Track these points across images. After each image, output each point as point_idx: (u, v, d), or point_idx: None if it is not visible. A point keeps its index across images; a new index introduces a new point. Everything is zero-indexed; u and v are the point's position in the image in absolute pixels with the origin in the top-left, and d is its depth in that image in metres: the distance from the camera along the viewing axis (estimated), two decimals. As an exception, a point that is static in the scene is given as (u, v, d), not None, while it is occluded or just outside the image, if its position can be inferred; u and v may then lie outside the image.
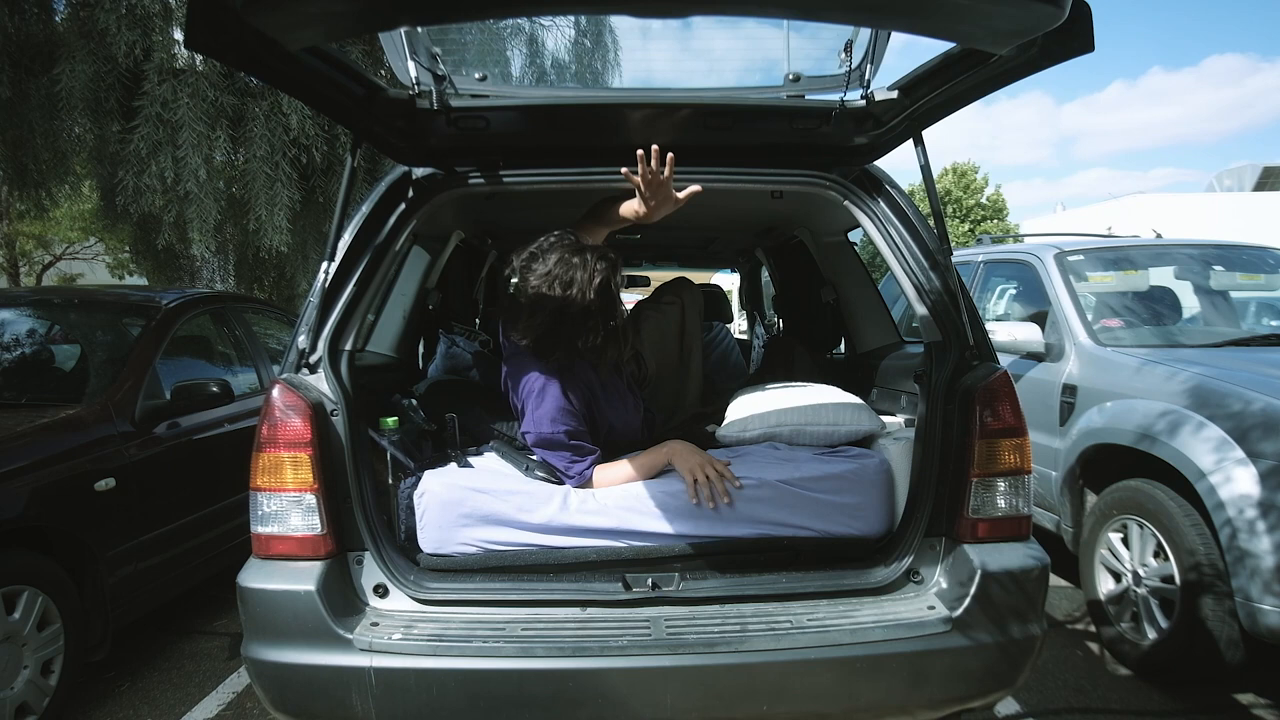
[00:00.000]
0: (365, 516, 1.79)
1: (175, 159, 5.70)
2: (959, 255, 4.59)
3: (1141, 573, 2.88)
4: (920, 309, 1.99)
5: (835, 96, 1.95)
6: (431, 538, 1.91)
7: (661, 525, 1.90)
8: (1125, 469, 3.02)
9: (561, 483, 1.98)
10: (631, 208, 2.05)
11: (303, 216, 6.39)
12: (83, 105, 5.73)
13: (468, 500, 1.89)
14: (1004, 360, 2.13)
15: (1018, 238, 6.58)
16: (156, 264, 8.04)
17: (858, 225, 2.17)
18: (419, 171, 2.05)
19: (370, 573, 1.79)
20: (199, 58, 6.24)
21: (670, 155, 1.85)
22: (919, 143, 1.94)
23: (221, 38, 1.42)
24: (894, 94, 1.85)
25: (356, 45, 5.83)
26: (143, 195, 5.93)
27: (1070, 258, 3.85)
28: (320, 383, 1.82)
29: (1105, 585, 3.07)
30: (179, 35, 6.19)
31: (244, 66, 1.52)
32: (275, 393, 1.75)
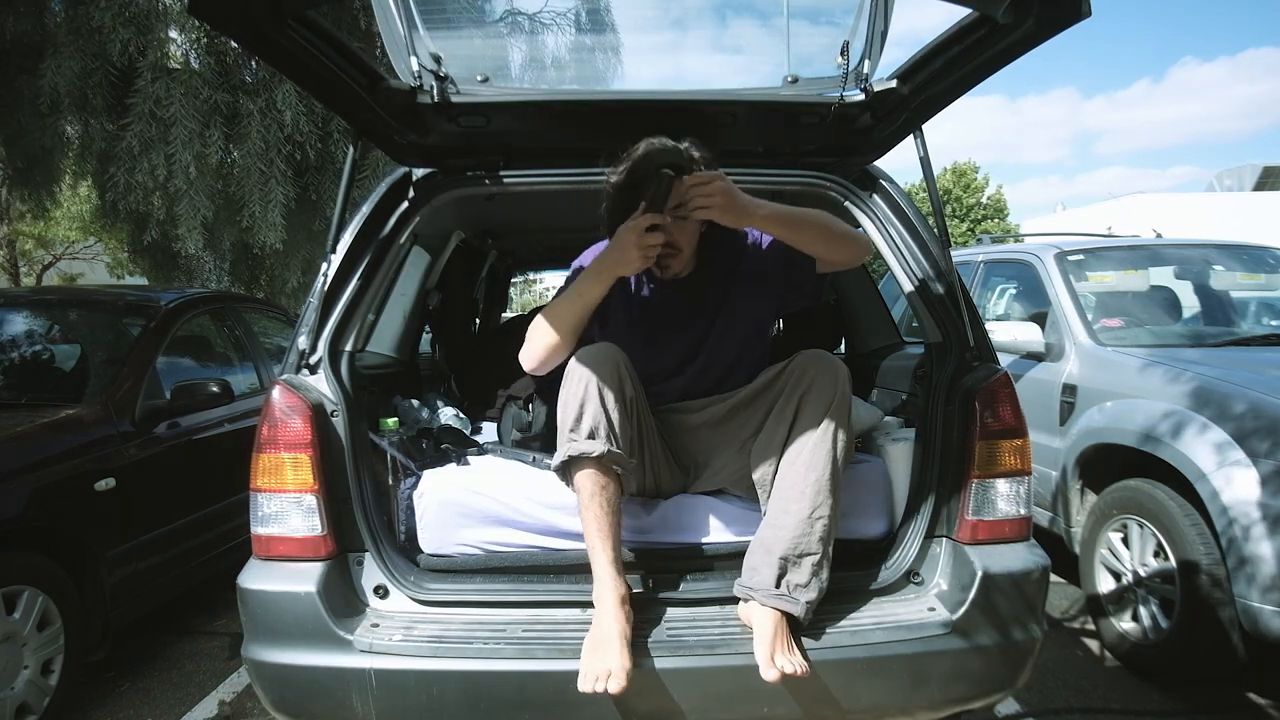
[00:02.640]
0: (365, 517, 1.78)
1: (166, 156, 5.69)
2: (959, 255, 4.60)
3: (1142, 572, 2.88)
4: (920, 309, 1.99)
5: (834, 95, 1.95)
6: (431, 538, 1.91)
7: (662, 528, 1.90)
8: (1125, 469, 3.02)
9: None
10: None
11: (297, 214, 6.38)
12: (69, 102, 5.71)
13: (467, 501, 1.89)
14: (1004, 360, 2.13)
15: (1018, 238, 6.58)
16: (153, 262, 8.03)
17: (858, 226, 2.17)
18: (419, 171, 2.05)
19: (370, 574, 1.78)
20: (193, 56, 6.24)
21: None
22: (919, 136, 1.94)
23: (224, 6, 1.42)
24: (892, 83, 1.85)
25: (357, 43, 5.83)
26: (133, 192, 5.91)
27: (1070, 258, 3.85)
28: (320, 383, 1.82)
29: (1105, 585, 3.07)
30: (175, 34, 6.19)
31: (245, 39, 1.51)
32: (275, 394, 1.75)
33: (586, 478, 1.67)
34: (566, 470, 1.71)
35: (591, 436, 1.66)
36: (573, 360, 1.74)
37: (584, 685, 1.50)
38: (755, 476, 1.78)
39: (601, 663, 1.51)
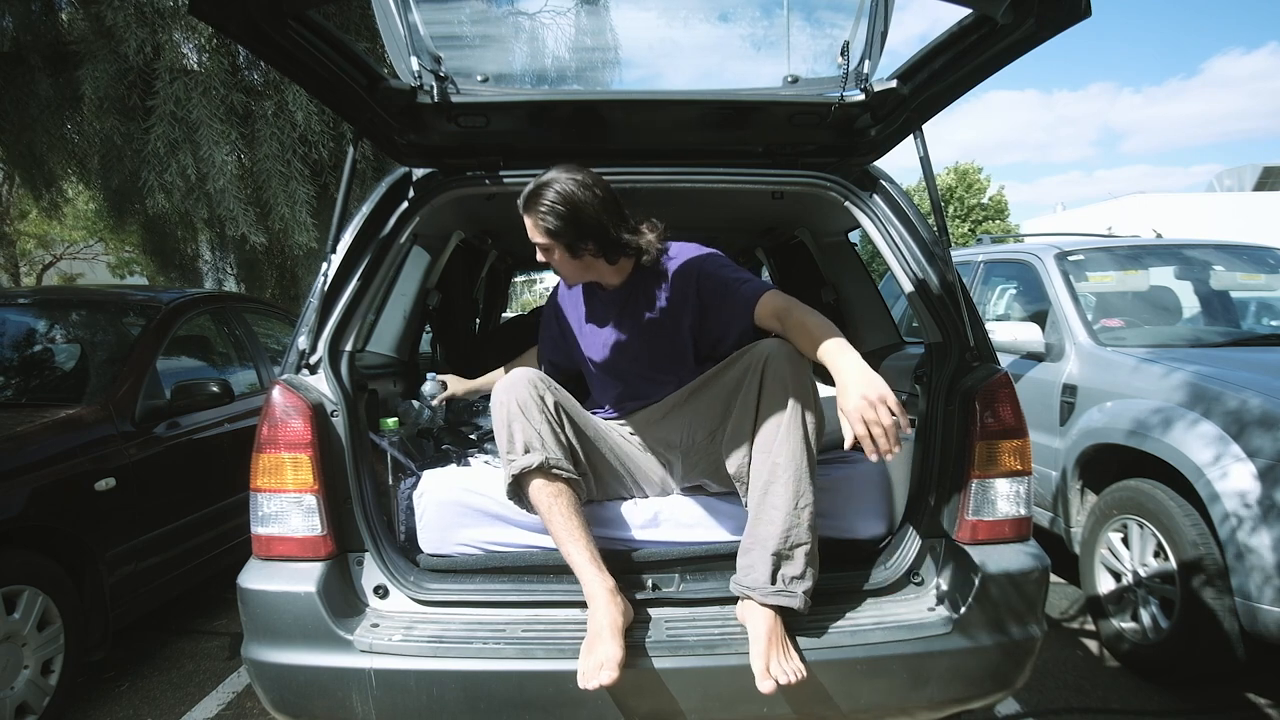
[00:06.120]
0: (365, 517, 1.78)
1: (198, 157, 5.72)
2: (959, 255, 4.60)
3: (1141, 572, 2.88)
4: (920, 309, 1.99)
5: (834, 95, 1.95)
6: (431, 538, 1.91)
7: (661, 528, 1.90)
8: (1125, 469, 3.02)
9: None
10: None
11: (321, 213, 6.38)
12: (108, 105, 5.75)
13: (467, 501, 1.89)
14: (1004, 360, 2.13)
15: (1018, 238, 6.58)
16: (166, 264, 8.03)
17: (858, 226, 2.17)
18: (419, 171, 2.05)
19: (370, 574, 1.79)
20: (205, 56, 6.24)
21: None
22: (919, 136, 1.94)
23: (225, 6, 1.42)
24: (892, 84, 1.85)
25: (360, 43, 5.82)
26: (171, 194, 5.95)
27: (1070, 258, 3.85)
28: (320, 383, 1.82)
29: (1105, 585, 3.07)
30: (179, 35, 6.19)
31: (246, 39, 1.52)
32: (275, 394, 1.75)
33: (538, 491, 1.72)
34: (519, 492, 1.75)
35: (527, 450, 1.71)
36: (493, 393, 1.81)
37: (582, 683, 1.51)
38: (731, 471, 1.79)
39: (595, 657, 1.54)
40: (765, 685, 1.53)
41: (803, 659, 1.59)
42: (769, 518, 1.66)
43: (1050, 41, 1.50)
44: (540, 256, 1.94)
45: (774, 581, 1.64)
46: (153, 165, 5.79)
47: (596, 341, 2.07)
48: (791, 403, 1.68)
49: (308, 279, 7.42)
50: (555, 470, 1.72)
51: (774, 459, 1.67)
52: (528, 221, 1.87)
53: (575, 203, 1.81)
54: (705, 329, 1.95)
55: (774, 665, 1.55)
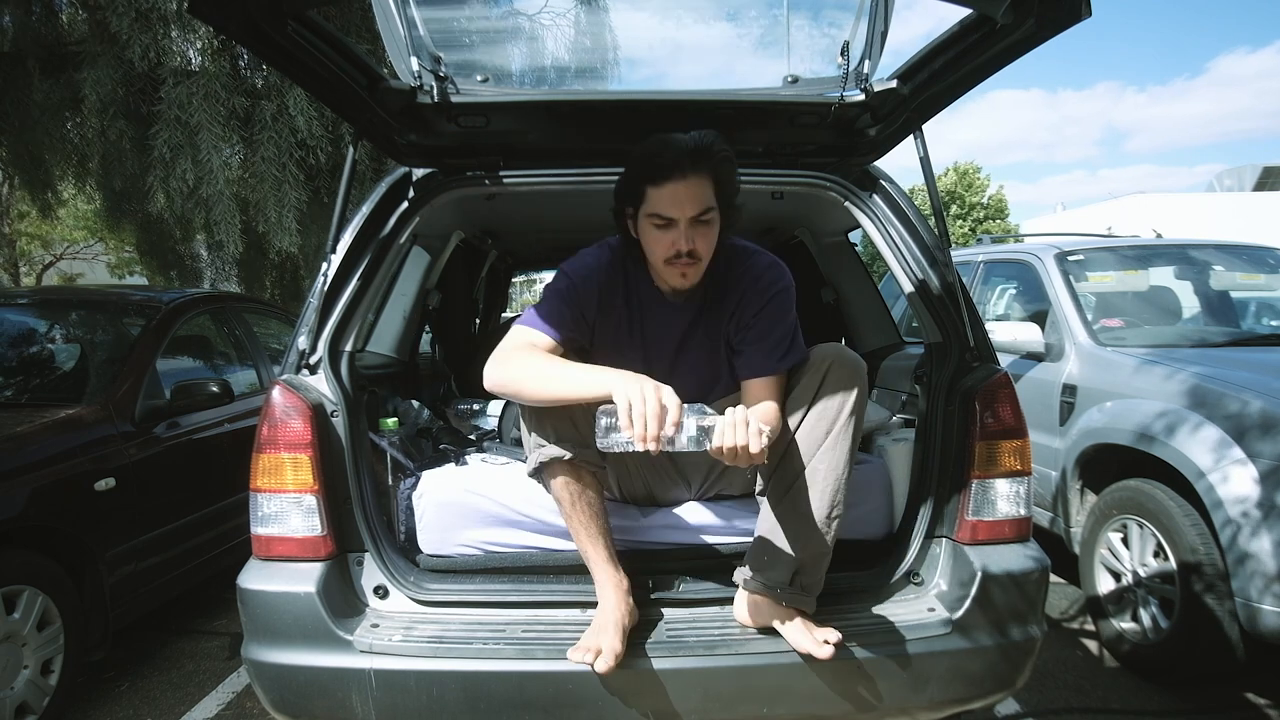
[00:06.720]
0: (365, 517, 1.78)
1: (196, 161, 5.73)
2: (959, 255, 4.60)
3: (1141, 573, 2.88)
4: (920, 309, 1.99)
5: (834, 95, 1.95)
6: (431, 539, 1.91)
7: (662, 528, 1.90)
8: (1125, 469, 3.02)
9: None
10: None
11: (310, 218, 6.39)
12: (111, 109, 5.77)
13: (467, 501, 1.89)
14: (1004, 360, 2.13)
15: (1018, 238, 6.58)
16: (164, 265, 8.04)
17: (858, 226, 2.18)
18: (419, 172, 2.05)
19: (370, 574, 1.78)
20: (206, 59, 6.25)
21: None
22: (919, 136, 1.94)
23: (225, 6, 1.42)
24: (892, 84, 1.85)
25: (360, 44, 5.82)
26: (173, 198, 5.96)
27: (1070, 258, 3.85)
28: (320, 383, 1.82)
29: (1105, 585, 3.07)
30: (177, 34, 6.20)
31: (245, 39, 1.52)
32: (275, 394, 1.75)
33: (563, 486, 1.66)
34: (541, 477, 1.71)
35: (559, 441, 1.64)
36: None
37: (573, 655, 1.51)
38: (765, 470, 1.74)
39: (595, 640, 1.53)
40: (824, 651, 1.54)
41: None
42: (798, 524, 1.63)
43: (1055, 40, 1.50)
44: (682, 244, 1.63)
45: (792, 584, 1.63)
46: (157, 169, 5.81)
47: (638, 350, 1.83)
48: (845, 413, 1.64)
49: (307, 280, 7.44)
50: (582, 465, 1.66)
51: (815, 464, 1.63)
52: (697, 182, 1.61)
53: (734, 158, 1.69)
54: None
55: (817, 634, 1.57)
